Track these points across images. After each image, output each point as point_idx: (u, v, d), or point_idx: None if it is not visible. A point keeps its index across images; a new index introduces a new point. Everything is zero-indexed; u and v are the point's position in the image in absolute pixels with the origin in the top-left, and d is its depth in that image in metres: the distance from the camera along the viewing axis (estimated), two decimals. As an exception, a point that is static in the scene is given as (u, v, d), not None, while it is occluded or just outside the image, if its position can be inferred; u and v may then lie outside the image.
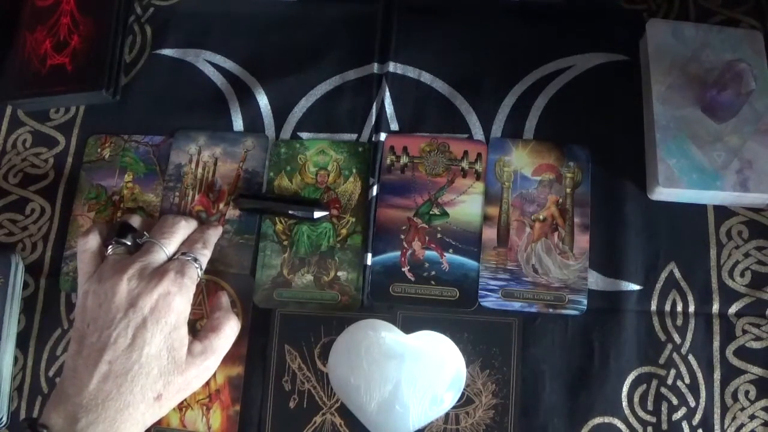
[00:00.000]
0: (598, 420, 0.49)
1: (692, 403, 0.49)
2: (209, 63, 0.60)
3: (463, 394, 0.49)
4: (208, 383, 0.50)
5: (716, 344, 0.50)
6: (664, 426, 0.49)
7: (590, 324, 0.51)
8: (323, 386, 0.51)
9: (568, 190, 0.53)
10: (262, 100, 0.58)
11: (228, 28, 0.61)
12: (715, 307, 0.51)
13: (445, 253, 0.53)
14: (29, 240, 0.56)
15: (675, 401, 0.49)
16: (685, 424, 0.49)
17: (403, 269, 0.53)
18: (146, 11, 0.62)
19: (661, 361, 0.50)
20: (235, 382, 0.51)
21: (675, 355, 0.50)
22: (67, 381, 0.44)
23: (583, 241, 0.52)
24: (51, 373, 0.53)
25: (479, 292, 0.52)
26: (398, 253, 0.53)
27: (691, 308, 0.51)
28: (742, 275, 0.51)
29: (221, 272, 0.53)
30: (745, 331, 0.50)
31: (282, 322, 0.52)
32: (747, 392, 0.49)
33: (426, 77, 0.58)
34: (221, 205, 0.55)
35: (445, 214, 0.54)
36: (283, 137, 0.57)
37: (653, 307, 0.51)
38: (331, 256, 0.53)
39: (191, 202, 0.56)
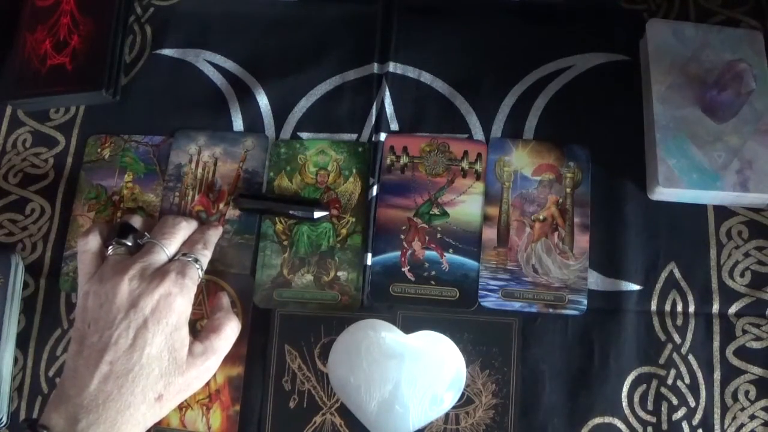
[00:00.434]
0: (598, 420, 0.49)
1: (692, 403, 0.49)
2: (209, 63, 0.60)
3: (463, 394, 0.49)
4: (208, 383, 0.50)
5: (716, 344, 0.50)
6: (664, 426, 0.49)
7: (590, 324, 0.51)
8: (323, 386, 0.51)
9: (568, 190, 0.53)
10: (262, 100, 0.58)
11: (228, 28, 0.61)
12: (715, 307, 0.51)
13: (445, 253, 0.53)
14: (29, 240, 0.56)
15: (675, 401, 0.49)
16: (685, 424, 0.49)
17: (403, 269, 0.53)
18: (146, 11, 0.62)
19: (661, 361, 0.50)
20: (235, 382, 0.51)
21: (675, 355, 0.50)
22: (68, 381, 0.44)
23: (583, 241, 0.52)
24: (51, 374, 0.53)
25: (479, 292, 0.52)
26: (398, 253, 0.53)
27: (691, 308, 0.51)
28: (742, 275, 0.51)
29: (221, 272, 0.53)
30: (745, 331, 0.50)
31: (282, 322, 0.52)
32: (747, 392, 0.49)
33: (426, 77, 0.58)
34: (221, 205, 0.55)
35: (445, 214, 0.54)
36: (283, 137, 0.57)
37: (653, 307, 0.51)
38: (331, 256, 0.53)
39: (191, 202, 0.56)
